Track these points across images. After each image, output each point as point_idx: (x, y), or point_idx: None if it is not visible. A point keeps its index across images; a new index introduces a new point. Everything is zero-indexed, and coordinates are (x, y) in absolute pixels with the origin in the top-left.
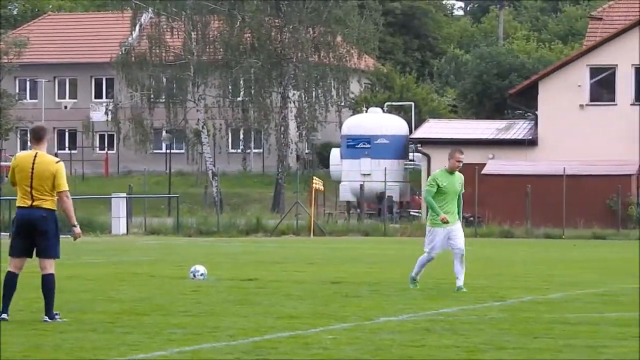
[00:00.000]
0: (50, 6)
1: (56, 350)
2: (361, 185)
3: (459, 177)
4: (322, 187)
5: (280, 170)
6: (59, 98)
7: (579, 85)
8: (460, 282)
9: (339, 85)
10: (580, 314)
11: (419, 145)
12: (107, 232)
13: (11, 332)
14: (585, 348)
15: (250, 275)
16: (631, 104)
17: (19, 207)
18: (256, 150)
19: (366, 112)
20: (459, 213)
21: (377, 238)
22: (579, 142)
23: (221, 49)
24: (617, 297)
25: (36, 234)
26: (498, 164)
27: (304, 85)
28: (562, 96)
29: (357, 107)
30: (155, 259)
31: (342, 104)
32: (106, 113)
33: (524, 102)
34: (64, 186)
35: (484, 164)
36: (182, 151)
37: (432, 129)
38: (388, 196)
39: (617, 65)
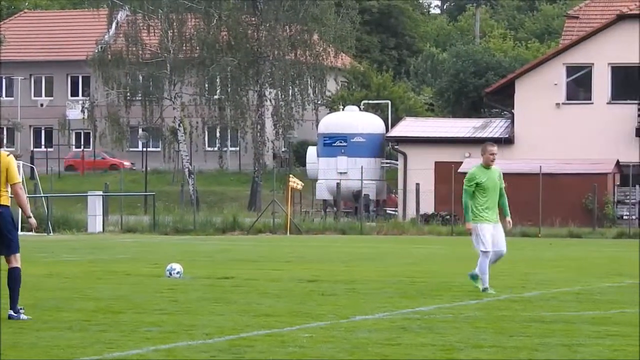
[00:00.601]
0: (27, 4)
1: (32, 348)
2: (338, 184)
3: (496, 170)
4: (299, 186)
5: (256, 169)
6: (35, 96)
7: (556, 84)
8: (486, 284)
9: (316, 83)
10: (556, 313)
11: (395, 143)
12: (83, 230)
13: None
14: (560, 346)
15: (226, 274)
16: (607, 103)
17: None
18: (233, 149)
19: (343, 110)
20: (504, 209)
21: (354, 236)
22: (555, 141)
23: (198, 47)
24: (593, 295)
25: None
26: (474, 163)
27: (281, 84)
28: (538, 95)
29: (333, 105)
30: (131, 257)
31: (319, 102)
32: (82, 111)
33: (500, 101)
34: (16, 178)
35: (461, 163)
36: (159, 149)
37: (409, 127)
38: (364, 194)
39: (593, 64)
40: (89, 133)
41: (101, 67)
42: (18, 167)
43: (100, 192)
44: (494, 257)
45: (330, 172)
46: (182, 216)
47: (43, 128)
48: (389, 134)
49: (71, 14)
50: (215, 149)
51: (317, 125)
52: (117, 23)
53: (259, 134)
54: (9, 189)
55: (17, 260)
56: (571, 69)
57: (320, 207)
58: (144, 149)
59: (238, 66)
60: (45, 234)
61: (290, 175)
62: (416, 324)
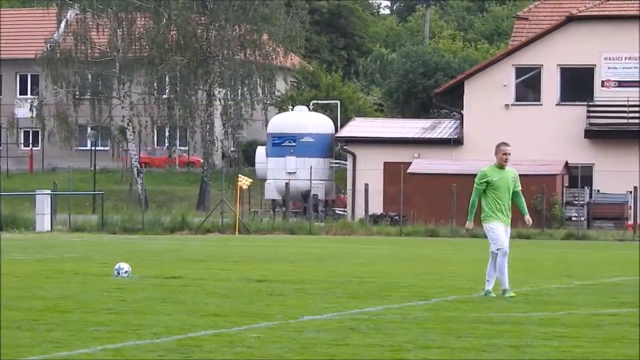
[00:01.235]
0: None
1: None
2: (287, 184)
3: (511, 171)
4: (246, 185)
5: (205, 168)
6: None
7: (505, 85)
8: (506, 285)
9: (265, 83)
10: (504, 314)
11: (344, 144)
12: (31, 229)
13: None
14: (508, 347)
15: (174, 273)
16: (556, 104)
17: None
18: (182, 148)
19: (292, 110)
20: (522, 209)
21: (303, 236)
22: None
23: (147, 46)
24: (541, 296)
25: None
26: (423, 163)
27: (230, 83)
28: (487, 96)
29: (283, 105)
30: (79, 256)
31: (268, 102)
32: (31, 109)
33: (449, 102)
34: None
35: (410, 163)
36: (107, 148)
37: (358, 127)
38: (313, 194)
39: (542, 65)
40: (38, 132)
41: (50, 66)
42: None
43: (49, 191)
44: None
45: (279, 172)
46: (131, 215)
47: None
48: (338, 134)
49: (20, 12)
50: (164, 148)
51: (266, 125)
52: (66, 22)
53: (208, 134)
54: None
55: None
56: (520, 70)
57: (269, 207)
58: (93, 148)
59: (187, 65)
60: None
61: (239, 175)
62: (364, 324)
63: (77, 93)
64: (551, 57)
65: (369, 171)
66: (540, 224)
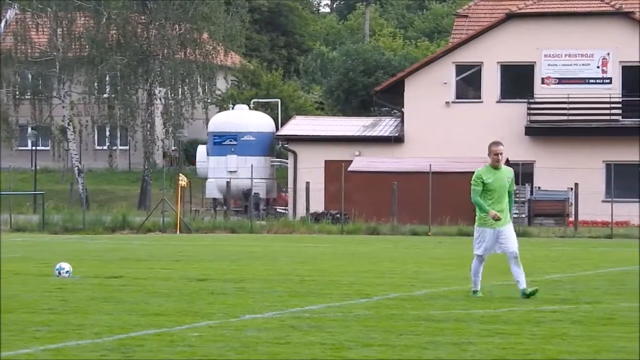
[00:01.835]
0: None
1: None
2: (228, 182)
3: (506, 171)
4: (185, 183)
5: (146, 167)
6: None
7: (445, 83)
8: (523, 285)
9: (206, 82)
10: (446, 311)
11: (285, 142)
12: None
13: None
14: (450, 345)
15: (115, 273)
16: (496, 101)
17: None
18: (122, 147)
19: (232, 109)
20: (510, 211)
21: (244, 235)
22: (445, 139)
23: (87, 46)
24: (483, 293)
25: None
26: (364, 161)
27: (170, 82)
28: (428, 93)
29: (223, 104)
30: (20, 256)
31: (209, 100)
32: None
33: (390, 99)
34: None
35: (351, 161)
36: (48, 148)
37: (299, 125)
38: (254, 193)
39: (482, 62)
40: None
41: None
42: None
43: None
44: (514, 263)
45: (220, 171)
46: (72, 215)
47: None
48: (279, 133)
49: None
50: (105, 147)
51: (207, 124)
52: (5, 21)
53: (148, 133)
54: None
55: None
56: (461, 68)
57: (210, 206)
58: (33, 148)
59: (128, 65)
60: None
61: (180, 174)
62: (306, 322)
63: (17, 93)
64: (491, 55)
65: (310, 169)
66: None
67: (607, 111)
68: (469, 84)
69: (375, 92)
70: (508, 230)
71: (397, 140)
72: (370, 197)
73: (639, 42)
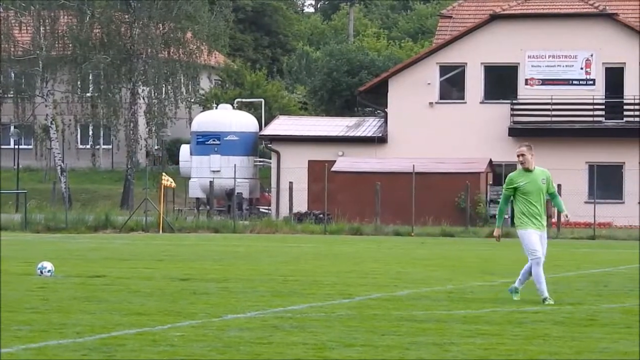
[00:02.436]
0: None
1: None
2: (211, 182)
3: (541, 173)
4: (171, 184)
5: (129, 167)
6: None
7: (429, 83)
8: (545, 293)
9: (189, 81)
10: (428, 312)
11: (268, 142)
12: None
13: None
14: (432, 345)
15: (97, 272)
16: (480, 102)
17: None
18: (105, 146)
19: (216, 108)
20: (559, 207)
21: (227, 235)
22: (428, 140)
23: (70, 44)
24: (465, 294)
25: None
26: (348, 161)
27: (154, 81)
28: (411, 94)
29: (207, 103)
30: (2, 255)
31: (192, 100)
32: None
33: (373, 100)
34: None
35: (334, 161)
36: (31, 147)
37: (282, 125)
38: (237, 193)
39: (466, 63)
40: None
41: None
42: None
43: None
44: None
45: (203, 171)
46: (54, 214)
47: None
48: (263, 133)
49: None
50: (88, 146)
51: (190, 124)
52: None
53: (131, 132)
54: None
55: None
56: (444, 69)
57: (193, 206)
58: (16, 147)
59: (111, 64)
60: None
61: (163, 174)
62: (288, 322)
63: (0, 91)
64: (475, 56)
65: (293, 169)
66: (464, 221)
67: (591, 112)
68: (452, 85)
69: (359, 92)
70: (544, 237)
71: (380, 140)
72: (353, 197)
73: (622, 44)
